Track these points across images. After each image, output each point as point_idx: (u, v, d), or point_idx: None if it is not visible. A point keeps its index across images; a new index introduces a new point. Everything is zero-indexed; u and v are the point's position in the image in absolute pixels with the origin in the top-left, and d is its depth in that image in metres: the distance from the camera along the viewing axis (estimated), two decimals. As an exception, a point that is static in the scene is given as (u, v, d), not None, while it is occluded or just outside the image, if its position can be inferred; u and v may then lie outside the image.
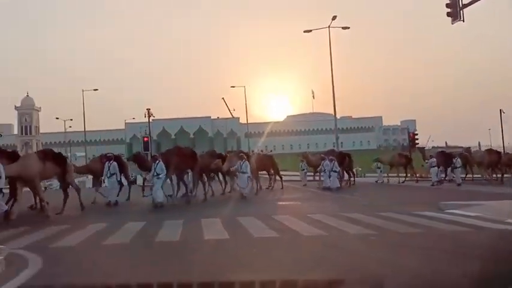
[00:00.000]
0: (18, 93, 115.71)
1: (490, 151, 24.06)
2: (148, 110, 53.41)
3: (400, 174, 25.84)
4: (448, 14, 14.85)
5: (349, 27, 32.66)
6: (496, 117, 47.49)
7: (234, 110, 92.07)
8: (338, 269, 5.57)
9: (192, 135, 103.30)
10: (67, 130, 66.76)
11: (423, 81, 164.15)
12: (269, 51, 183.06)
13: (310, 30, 32.67)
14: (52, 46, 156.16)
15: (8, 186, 13.18)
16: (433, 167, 21.93)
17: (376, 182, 26.71)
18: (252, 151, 25.65)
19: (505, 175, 24.07)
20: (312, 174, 25.00)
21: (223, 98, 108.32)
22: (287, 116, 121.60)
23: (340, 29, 32.50)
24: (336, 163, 20.78)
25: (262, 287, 2.03)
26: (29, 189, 12.87)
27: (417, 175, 26.11)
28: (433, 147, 61.57)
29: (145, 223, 10.29)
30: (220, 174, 19.38)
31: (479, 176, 24.38)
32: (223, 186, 19.01)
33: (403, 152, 30.20)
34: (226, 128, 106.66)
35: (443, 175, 22.48)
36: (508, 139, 50.33)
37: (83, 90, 53.65)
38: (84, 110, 54.82)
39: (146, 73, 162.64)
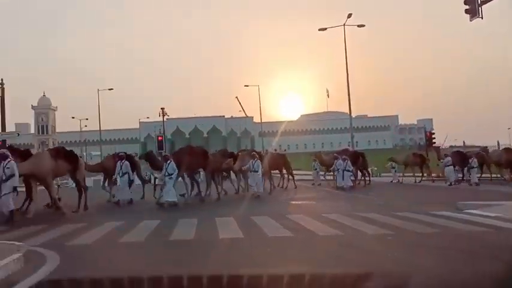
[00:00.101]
0: (35, 93, 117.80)
1: (507, 150, 23.57)
2: (162, 109, 53.89)
3: (416, 174, 25.51)
4: (467, 11, 14.58)
5: (364, 25, 32.34)
6: (515, 116, 46.47)
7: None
8: (354, 269, 5.50)
9: (205, 135, 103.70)
10: (83, 129, 67.53)
11: (440, 79, 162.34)
12: (283, 50, 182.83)
13: (325, 29, 32.44)
14: (68, 46, 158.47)
15: (24, 185, 13.38)
16: (448, 166, 21.61)
17: (391, 181, 26.42)
18: (266, 150, 25.56)
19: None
20: (323, 174, 24.73)
21: (236, 97, 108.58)
22: (301, 115, 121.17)
23: (356, 27, 32.20)
24: (349, 162, 20.64)
25: (291, 280, 2.01)
26: (44, 188, 13.03)
27: (433, 175, 25.73)
28: (450, 146, 60.64)
29: (160, 222, 10.34)
30: (232, 173, 19.38)
31: (498, 175, 23.92)
32: (237, 186, 18.99)
33: (418, 152, 29.80)
34: (240, 127, 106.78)
35: (461, 175, 22.11)
36: (528, 138, 49.28)
37: (98, 90, 54.14)
38: (99, 109, 55.34)
39: (161, 72, 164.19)
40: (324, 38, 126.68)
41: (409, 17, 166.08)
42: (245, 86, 56.56)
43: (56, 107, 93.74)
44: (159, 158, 16.82)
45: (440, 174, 25.59)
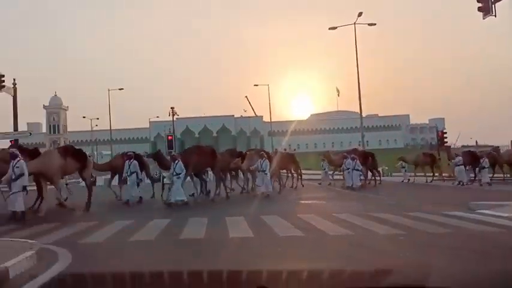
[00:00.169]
0: (47, 93, 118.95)
1: (519, 150, 23.27)
2: (172, 108, 54.13)
3: (426, 174, 25.28)
4: (479, 9, 14.38)
5: (375, 24, 32.14)
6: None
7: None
8: (366, 269, 5.46)
9: (215, 134, 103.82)
10: (93, 129, 68.13)
11: (452, 78, 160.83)
12: (293, 49, 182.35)
13: (336, 27, 32.27)
14: (79, 47, 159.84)
15: (35, 184, 13.52)
16: (459, 166, 21.39)
17: (402, 181, 26.21)
18: (275, 150, 25.51)
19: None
20: (331, 173, 24.55)
21: (246, 97, 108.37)
22: (311, 115, 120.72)
23: (366, 25, 31.99)
24: (358, 161, 20.54)
25: (310, 276, 2.01)
26: (54, 187, 13.15)
27: (444, 175, 25.48)
28: (462, 146, 59.95)
29: (170, 220, 10.38)
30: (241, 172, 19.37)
31: (510, 175, 23.61)
32: (246, 185, 18.95)
33: (428, 151, 29.52)
34: (249, 127, 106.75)
35: (473, 175, 21.87)
36: (543, 137, 48.43)
37: (108, 90, 54.61)
38: (110, 109, 55.83)
39: (170, 72, 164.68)
40: (334, 36, 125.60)
41: (420, 15, 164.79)
42: (255, 85, 56.39)
43: (67, 107, 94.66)
44: (168, 158, 16.88)
45: (452, 174, 25.34)
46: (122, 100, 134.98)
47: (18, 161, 11.17)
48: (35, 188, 13.55)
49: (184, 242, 7.75)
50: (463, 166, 21.35)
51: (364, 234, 7.91)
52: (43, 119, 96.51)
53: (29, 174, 11.59)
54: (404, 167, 27.32)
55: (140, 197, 15.69)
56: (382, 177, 25.60)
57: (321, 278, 1.97)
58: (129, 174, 15.59)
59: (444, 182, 24.35)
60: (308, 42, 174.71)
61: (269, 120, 59.41)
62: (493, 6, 14.24)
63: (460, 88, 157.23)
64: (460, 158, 21.54)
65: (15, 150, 11.78)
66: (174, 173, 14.15)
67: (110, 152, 59.42)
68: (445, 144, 31.35)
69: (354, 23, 31.36)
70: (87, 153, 15.73)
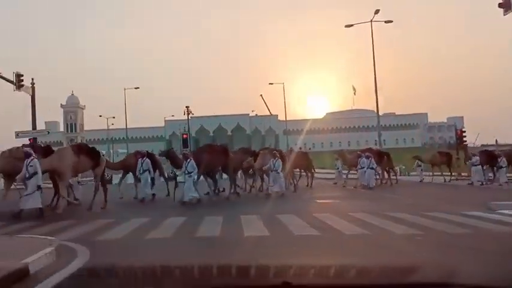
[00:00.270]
0: (64, 92, 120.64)
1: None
2: (187, 107, 54.41)
3: (444, 173, 24.92)
4: (500, 5, 14.13)
5: (392, 21, 31.79)
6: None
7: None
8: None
9: (230, 133, 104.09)
10: (110, 127, 68.91)
11: (472, 76, 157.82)
12: (309, 47, 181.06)
13: (352, 25, 31.99)
14: (96, 46, 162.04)
15: (51, 182, 13.70)
16: (476, 165, 21.02)
17: (420, 181, 25.85)
18: (291, 148, 25.38)
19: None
20: (346, 172, 24.30)
21: (261, 95, 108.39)
22: (327, 113, 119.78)
23: (383, 23, 31.67)
24: (373, 160, 20.35)
25: (338, 272, 2.00)
26: (68, 185, 13.32)
27: (463, 174, 25.07)
28: (482, 145, 58.94)
29: (186, 218, 10.44)
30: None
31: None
32: (261, 184, 18.88)
33: (444, 150, 29.08)
34: (264, 125, 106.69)
35: (491, 174, 21.48)
36: None
37: (124, 89, 55.13)
38: (125, 107, 56.37)
39: (186, 71, 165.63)
40: (351, 34, 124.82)
41: (439, 12, 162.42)
42: (270, 83, 56.33)
43: (84, 106, 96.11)
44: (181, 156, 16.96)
45: (468, 174, 24.94)
46: (138, 99, 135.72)
47: (32, 159, 11.31)
48: (51, 185, 13.76)
49: (200, 240, 7.77)
50: (480, 166, 21.00)
51: (380, 234, 7.82)
52: (60, 117, 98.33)
53: (43, 173, 11.72)
54: (420, 166, 26.98)
55: (153, 194, 15.82)
56: (399, 177, 25.32)
57: (349, 274, 1.96)
58: (141, 172, 15.73)
59: (457, 180, 23.95)
60: (324, 40, 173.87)
61: (284, 119, 59.32)
62: (514, 2, 13.97)
63: (480, 86, 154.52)
64: (477, 157, 21.19)
65: (29, 149, 11.92)
66: (186, 172, 14.21)
67: (125, 151, 60.05)
68: (464, 144, 30.90)
69: (371, 21, 31.00)
70: (102, 152, 15.90)
